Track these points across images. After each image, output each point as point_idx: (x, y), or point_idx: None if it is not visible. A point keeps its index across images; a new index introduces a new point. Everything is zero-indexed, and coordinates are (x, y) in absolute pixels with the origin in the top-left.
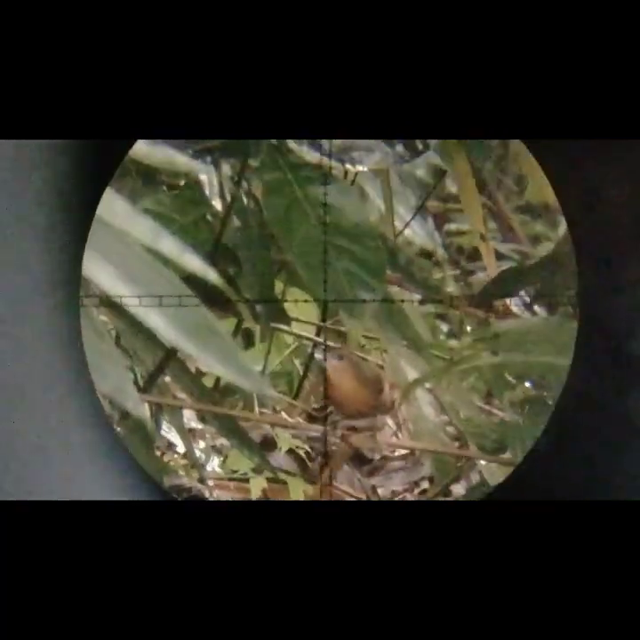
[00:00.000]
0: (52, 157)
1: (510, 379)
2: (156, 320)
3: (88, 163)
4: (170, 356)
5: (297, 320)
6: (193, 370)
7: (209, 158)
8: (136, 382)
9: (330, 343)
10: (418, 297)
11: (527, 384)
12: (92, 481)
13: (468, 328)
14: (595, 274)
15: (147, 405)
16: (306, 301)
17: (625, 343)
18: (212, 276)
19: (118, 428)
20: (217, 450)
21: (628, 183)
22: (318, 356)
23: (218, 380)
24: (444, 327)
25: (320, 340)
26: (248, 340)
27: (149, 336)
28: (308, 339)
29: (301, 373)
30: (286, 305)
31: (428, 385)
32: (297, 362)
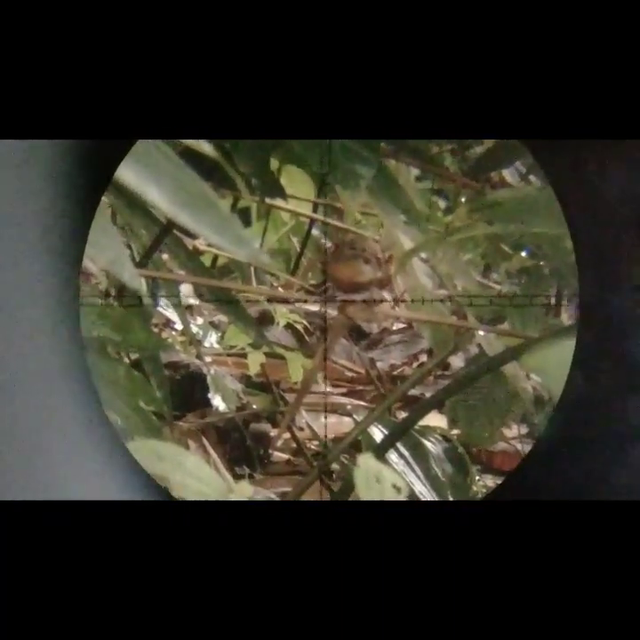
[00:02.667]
0: (52, 157)
1: (506, 249)
2: (152, 193)
3: (88, 163)
4: (166, 231)
5: (293, 197)
6: (190, 247)
7: None
8: (132, 258)
9: (326, 219)
10: (415, 171)
11: (523, 254)
12: (92, 481)
13: (463, 199)
14: (595, 274)
15: (143, 280)
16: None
17: (625, 343)
18: (207, 148)
19: (115, 304)
20: (214, 326)
21: (628, 183)
22: (315, 232)
23: (215, 258)
24: (441, 203)
25: (317, 216)
26: (245, 219)
27: (145, 211)
28: (304, 215)
29: (299, 250)
30: (282, 181)
31: (423, 255)
32: (294, 239)
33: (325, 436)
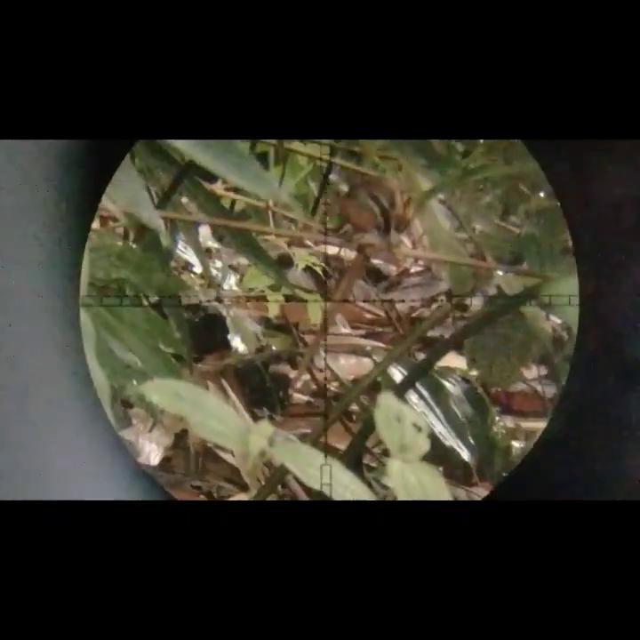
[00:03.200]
0: (52, 157)
1: (525, 189)
2: None
3: (88, 163)
4: (185, 173)
5: (311, 141)
6: (209, 190)
7: None
8: (152, 200)
9: (344, 163)
10: None
11: (541, 194)
12: (92, 481)
13: (481, 139)
14: (595, 274)
15: (162, 221)
16: None
17: (625, 343)
18: None
19: (134, 246)
20: (234, 268)
21: (628, 183)
22: (333, 176)
23: (233, 203)
24: (460, 146)
25: (335, 160)
26: (263, 164)
27: (164, 154)
28: (322, 159)
29: (317, 195)
30: None
31: (442, 196)
32: (312, 184)
33: (345, 378)
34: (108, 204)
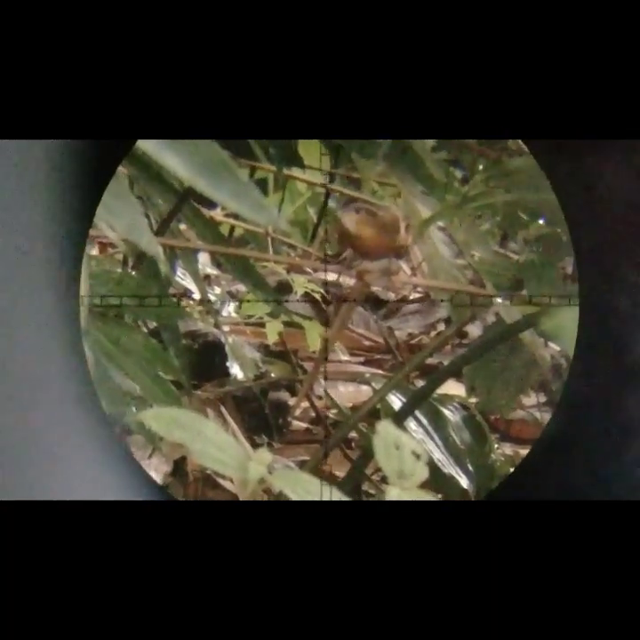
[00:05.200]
0: (51, 157)
1: (523, 216)
2: (170, 160)
3: (88, 163)
4: (183, 200)
5: (310, 167)
6: (207, 217)
7: None
8: (150, 226)
9: (343, 190)
10: (431, 141)
11: (540, 221)
12: (92, 481)
13: (481, 167)
14: (595, 274)
15: (160, 248)
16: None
17: (625, 343)
18: None
19: (133, 273)
20: (232, 295)
21: (628, 183)
22: (332, 203)
23: (232, 229)
24: (458, 173)
25: (334, 186)
26: (262, 190)
27: (162, 181)
28: (321, 186)
29: (315, 221)
30: (299, 151)
31: (441, 223)
32: (311, 210)
33: (344, 405)
34: (106, 230)
